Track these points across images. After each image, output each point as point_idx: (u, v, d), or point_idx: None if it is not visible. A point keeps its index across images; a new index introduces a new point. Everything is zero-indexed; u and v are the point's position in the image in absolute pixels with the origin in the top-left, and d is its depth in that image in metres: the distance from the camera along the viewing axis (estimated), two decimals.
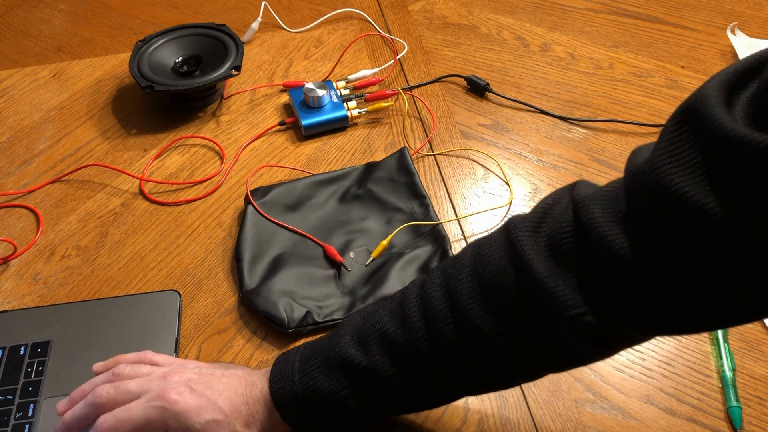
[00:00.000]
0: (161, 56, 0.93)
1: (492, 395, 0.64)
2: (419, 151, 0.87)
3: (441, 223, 0.76)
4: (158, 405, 0.53)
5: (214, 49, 0.93)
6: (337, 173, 0.82)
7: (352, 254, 0.75)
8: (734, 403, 0.62)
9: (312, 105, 0.89)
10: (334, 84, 0.93)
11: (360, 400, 0.53)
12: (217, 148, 0.88)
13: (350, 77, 0.95)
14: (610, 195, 0.45)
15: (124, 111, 0.94)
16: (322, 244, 0.75)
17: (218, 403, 0.54)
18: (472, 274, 0.50)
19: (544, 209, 0.49)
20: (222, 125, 0.91)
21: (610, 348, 0.50)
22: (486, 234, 0.52)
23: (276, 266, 0.73)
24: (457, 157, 0.87)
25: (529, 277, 0.47)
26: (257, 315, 0.70)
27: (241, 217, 0.78)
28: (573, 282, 0.46)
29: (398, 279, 0.71)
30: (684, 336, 0.68)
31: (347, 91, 0.93)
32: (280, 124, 0.91)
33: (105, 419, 0.53)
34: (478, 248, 0.51)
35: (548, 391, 0.65)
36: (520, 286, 0.48)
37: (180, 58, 0.93)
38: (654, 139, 0.93)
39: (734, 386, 0.64)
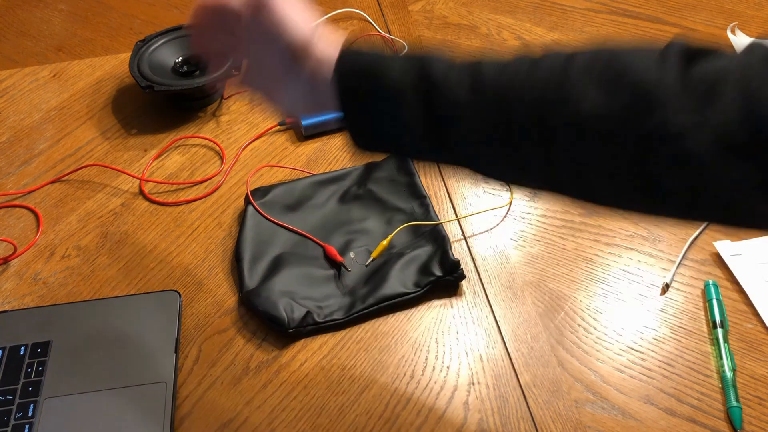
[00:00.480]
0: (161, 56, 0.93)
1: (492, 395, 0.64)
2: None
3: (441, 223, 0.76)
4: None
5: None
6: (337, 173, 0.82)
7: (352, 254, 0.75)
8: (734, 403, 0.62)
9: None
10: None
11: (419, 109, 0.48)
12: (217, 148, 0.88)
13: None
14: None
15: (124, 111, 0.93)
16: (322, 244, 0.75)
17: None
18: (605, 59, 0.44)
19: (714, 51, 0.44)
20: (222, 125, 0.91)
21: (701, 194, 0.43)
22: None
23: (276, 266, 0.73)
24: None
25: (671, 79, 0.42)
26: (257, 315, 0.70)
27: (241, 217, 0.78)
28: (718, 108, 0.40)
29: (398, 279, 0.71)
30: (684, 338, 0.68)
31: None
32: (280, 124, 0.90)
33: None
34: (617, 47, 0.46)
35: (548, 391, 0.65)
36: (657, 87, 0.42)
37: (180, 58, 0.93)
38: None
39: (734, 386, 0.64)
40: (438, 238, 0.74)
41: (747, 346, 0.67)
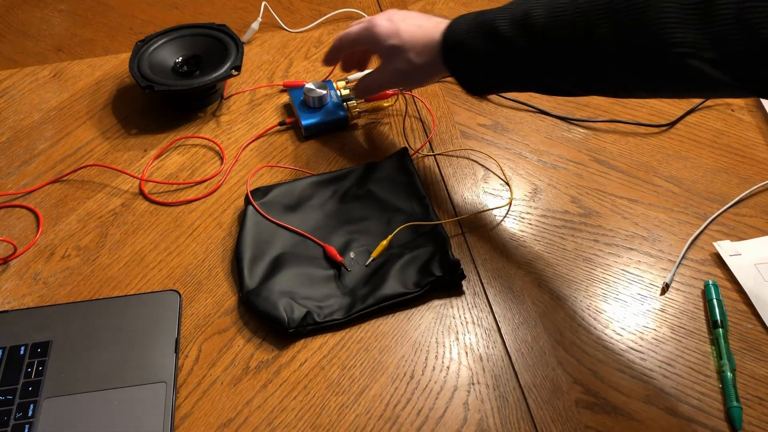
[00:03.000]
0: (161, 56, 0.93)
1: (492, 395, 0.64)
2: (419, 151, 0.87)
3: (441, 223, 0.76)
4: (364, 27, 0.76)
5: (214, 49, 0.93)
6: (337, 173, 0.82)
7: (352, 254, 0.75)
8: (734, 403, 0.62)
9: (312, 105, 0.89)
10: (334, 84, 0.93)
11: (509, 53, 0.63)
12: (217, 148, 0.88)
13: (350, 77, 0.95)
14: None
15: (124, 111, 0.94)
16: (322, 244, 0.75)
17: (401, 34, 0.72)
18: None
19: None
20: (222, 125, 0.91)
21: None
22: None
23: (276, 266, 0.73)
24: (457, 157, 0.87)
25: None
26: (257, 315, 0.70)
27: (241, 217, 0.78)
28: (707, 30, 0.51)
29: (398, 279, 0.71)
30: (684, 337, 0.68)
31: (347, 91, 0.93)
32: (280, 124, 0.91)
33: (338, 36, 0.80)
34: None
35: (548, 391, 0.65)
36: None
37: (180, 58, 0.93)
38: (655, 139, 0.94)
39: (734, 386, 0.64)
40: (438, 238, 0.74)
41: (747, 346, 0.67)
